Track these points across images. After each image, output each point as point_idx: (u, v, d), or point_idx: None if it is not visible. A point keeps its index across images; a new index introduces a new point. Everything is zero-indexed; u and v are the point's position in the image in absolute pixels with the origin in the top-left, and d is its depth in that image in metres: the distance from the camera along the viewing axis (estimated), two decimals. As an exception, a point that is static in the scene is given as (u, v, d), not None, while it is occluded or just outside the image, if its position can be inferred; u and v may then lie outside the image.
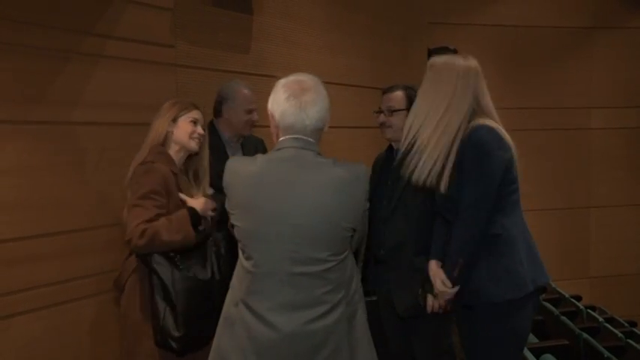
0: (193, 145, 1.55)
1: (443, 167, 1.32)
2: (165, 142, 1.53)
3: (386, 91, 1.83)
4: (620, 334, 2.53)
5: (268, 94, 1.26)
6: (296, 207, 1.13)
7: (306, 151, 1.17)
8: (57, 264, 1.82)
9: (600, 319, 2.80)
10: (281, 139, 1.19)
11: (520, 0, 4.12)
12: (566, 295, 3.27)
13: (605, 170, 4.34)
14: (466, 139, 1.32)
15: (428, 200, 1.67)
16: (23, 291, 1.72)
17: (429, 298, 1.62)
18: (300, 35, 2.91)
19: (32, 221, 1.75)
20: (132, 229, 1.38)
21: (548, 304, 2.83)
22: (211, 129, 2.00)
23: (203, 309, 1.42)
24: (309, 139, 1.18)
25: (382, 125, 1.79)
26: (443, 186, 1.33)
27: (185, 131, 1.53)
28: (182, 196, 1.51)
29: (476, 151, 1.30)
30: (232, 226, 1.21)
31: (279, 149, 1.18)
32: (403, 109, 1.76)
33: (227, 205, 1.21)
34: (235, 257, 1.25)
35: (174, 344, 1.40)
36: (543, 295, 3.10)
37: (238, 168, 1.19)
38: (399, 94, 1.77)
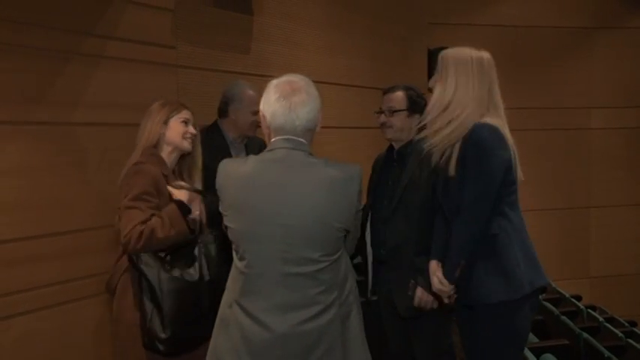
0: (186, 145, 1.55)
1: (451, 153, 1.34)
2: (157, 143, 1.52)
3: (387, 91, 1.83)
4: (620, 334, 2.54)
5: (269, 95, 1.27)
6: (288, 207, 1.13)
7: (297, 151, 1.17)
8: (58, 264, 1.82)
9: (600, 319, 2.80)
10: (272, 140, 1.20)
11: (520, 0, 4.13)
12: (567, 295, 3.28)
13: (605, 170, 4.35)
14: (467, 137, 1.31)
15: (428, 200, 1.67)
16: (24, 291, 1.73)
17: (419, 291, 1.64)
18: (301, 36, 2.92)
19: (33, 222, 1.75)
20: (129, 232, 1.37)
21: (548, 304, 2.84)
22: (215, 129, 2.01)
23: (191, 311, 1.41)
24: (300, 139, 1.18)
25: (383, 125, 1.79)
26: (451, 169, 1.33)
27: (177, 132, 1.53)
28: (169, 188, 1.51)
29: (477, 150, 1.29)
30: (226, 227, 1.21)
31: (270, 150, 1.19)
32: (404, 110, 1.76)
33: (220, 207, 1.21)
34: (229, 259, 1.25)
35: (160, 346, 1.38)
36: (544, 295, 3.11)
37: (230, 169, 1.19)
38: (399, 95, 1.78)
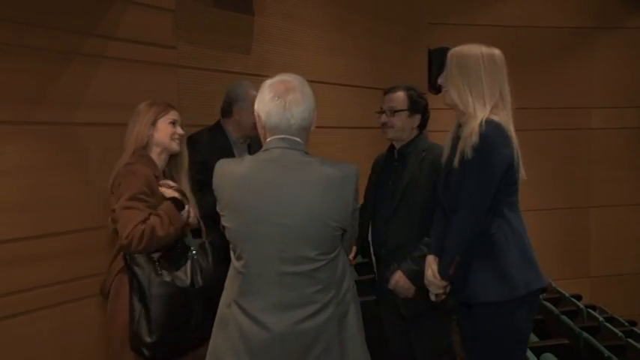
0: (175, 146, 1.54)
1: (458, 147, 1.34)
2: (146, 145, 1.52)
3: (388, 91, 1.83)
4: (620, 334, 2.54)
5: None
6: (284, 206, 1.13)
7: (293, 150, 1.17)
8: (58, 264, 1.82)
9: (600, 319, 2.80)
10: (268, 139, 1.19)
11: (520, 0, 4.13)
12: (567, 295, 3.28)
13: (605, 170, 4.35)
14: (475, 132, 1.29)
15: (429, 200, 1.68)
16: (24, 291, 1.73)
17: (397, 274, 1.64)
18: (301, 36, 2.92)
19: (34, 222, 1.76)
20: (130, 232, 1.35)
21: (548, 304, 2.84)
22: (219, 129, 2.01)
23: (179, 317, 1.39)
24: (296, 138, 1.18)
25: (384, 125, 1.79)
26: (455, 163, 1.33)
27: (166, 133, 1.52)
28: (161, 189, 1.50)
29: (480, 146, 1.28)
30: (223, 227, 1.21)
31: (266, 150, 1.19)
32: (405, 110, 1.76)
33: (217, 207, 1.21)
34: (227, 259, 1.24)
35: (145, 350, 1.36)
36: (544, 295, 3.11)
37: (226, 170, 1.19)
38: (400, 95, 1.78)
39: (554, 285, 3.42)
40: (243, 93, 1.99)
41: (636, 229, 4.37)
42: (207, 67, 2.39)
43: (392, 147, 1.85)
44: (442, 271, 1.35)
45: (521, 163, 1.35)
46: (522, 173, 1.36)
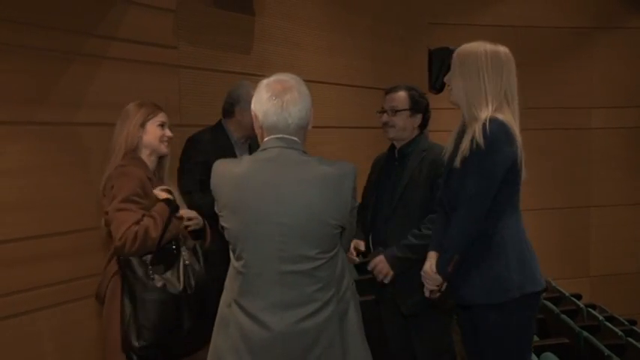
0: (164, 148, 1.54)
1: (460, 145, 1.32)
2: (135, 147, 1.51)
3: (389, 91, 1.83)
4: (620, 333, 2.54)
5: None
6: (283, 206, 1.14)
7: (290, 150, 1.17)
8: (60, 264, 1.83)
9: (600, 318, 2.81)
10: (265, 139, 1.19)
11: (521, 0, 4.14)
12: (567, 294, 3.28)
13: (604, 170, 4.36)
14: (477, 131, 1.28)
15: (428, 199, 1.68)
16: (26, 291, 1.74)
17: (378, 258, 1.67)
18: (302, 36, 2.93)
19: (35, 221, 1.76)
20: (123, 233, 1.35)
21: (548, 303, 2.84)
22: (220, 129, 2.01)
23: (169, 323, 1.38)
24: (294, 138, 1.18)
25: (385, 125, 1.79)
26: (457, 161, 1.31)
27: (155, 135, 1.52)
28: (155, 192, 1.50)
29: (484, 145, 1.26)
30: (222, 228, 1.21)
31: (264, 149, 1.19)
32: (406, 109, 1.77)
33: (216, 208, 1.21)
34: (227, 259, 1.24)
35: (133, 355, 1.36)
36: (544, 294, 3.10)
37: (224, 170, 1.19)
38: (402, 95, 1.78)
39: (554, 284, 3.43)
40: (245, 93, 1.99)
41: (636, 228, 4.37)
42: (207, 67, 2.39)
43: (392, 147, 1.86)
44: (440, 268, 1.34)
45: (523, 164, 1.33)
46: (525, 174, 1.34)
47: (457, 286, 1.35)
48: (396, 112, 1.77)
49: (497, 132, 1.27)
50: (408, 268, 1.67)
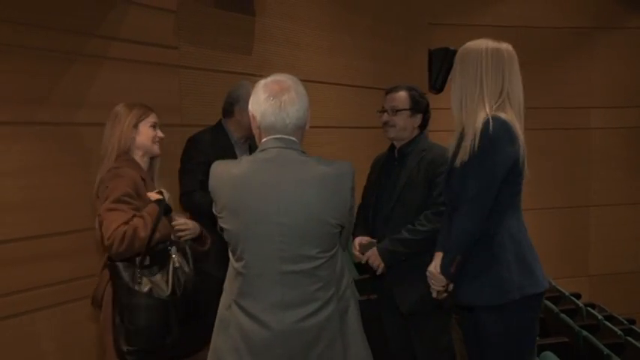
0: (156, 149, 1.55)
1: (461, 145, 1.31)
2: (128, 149, 1.51)
3: (390, 91, 1.84)
4: (619, 332, 2.55)
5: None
6: (282, 206, 1.14)
7: (289, 150, 1.18)
8: (61, 264, 1.83)
9: (599, 317, 2.81)
10: (264, 140, 1.20)
11: (521, 1, 4.14)
12: (566, 293, 3.29)
13: (604, 169, 4.37)
14: (479, 130, 1.26)
15: (427, 199, 1.70)
16: (26, 291, 1.74)
17: (371, 251, 1.70)
18: (302, 36, 2.93)
19: (36, 221, 1.77)
20: (112, 233, 1.34)
21: (548, 302, 2.85)
22: (220, 129, 2.02)
23: (156, 328, 1.37)
24: (292, 138, 1.19)
25: (385, 124, 1.80)
26: (457, 161, 1.30)
27: (147, 136, 1.52)
28: (149, 194, 1.50)
29: (482, 144, 1.25)
30: (221, 229, 1.21)
31: (262, 150, 1.19)
32: (406, 109, 1.77)
33: (214, 209, 1.21)
34: (226, 261, 1.24)
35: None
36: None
37: (223, 171, 1.19)
38: (402, 95, 1.79)
39: (553, 284, 3.43)
40: (244, 93, 1.99)
41: (635, 228, 4.38)
42: (208, 67, 2.40)
43: (392, 146, 1.86)
44: (443, 269, 1.34)
45: (526, 164, 1.31)
46: (527, 173, 1.32)
47: (458, 287, 1.35)
48: (396, 111, 1.78)
49: (498, 131, 1.25)
50: (400, 261, 1.69)
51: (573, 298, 3.21)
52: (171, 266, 1.43)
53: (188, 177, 1.94)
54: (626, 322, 3.09)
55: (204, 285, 1.93)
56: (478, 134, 1.26)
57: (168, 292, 1.40)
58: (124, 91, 2.00)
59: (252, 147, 2.06)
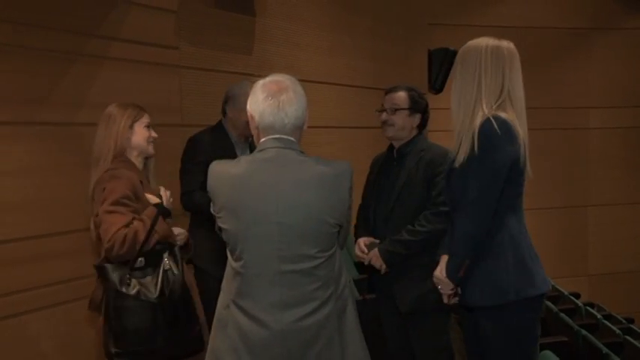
0: (151, 149, 1.54)
1: (460, 146, 1.29)
2: (124, 149, 1.50)
3: (389, 90, 1.84)
4: (618, 331, 2.56)
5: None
6: (281, 205, 1.14)
7: (288, 150, 1.18)
8: (61, 264, 1.84)
9: (598, 316, 2.82)
10: (262, 140, 1.20)
11: (520, 1, 4.16)
12: (565, 293, 3.30)
13: (602, 169, 4.38)
14: (477, 130, 1.25)
15: (426, 199, 1.70)
16: (27, 290, 1.74)
17: (372, 252, 1.71)
18: (302, 37, 2.94)
19: (38, 221, 1.77)
20: (112, 236, 1.34)
21: (547, 302, 2.86)
22: (221, 129, 2.02)
23: (143, 330, 1.36)
24: (290, 138, 1.19)
25: (384, 123, 1.80)
26: (457, 162, 1.29)
27: (143, 137, 1.52)
28: (147, 196, 1.50)
29: (482, 145, 1.23)
30: (220, 229, 1.21)
31: (261, 150, 1.19)
32: (406, 109, 1.78)
33: (212, 209, 1.21)
34: (224, 260, 1.24)
35: None
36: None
37: (222, 171, 1.19)
38: (402, 94, 1.79)
39: (552, 283, 3.44)
40: (236, 92, 1.99)
41: (633, 227, 4.39)
42: (209, 67, 2.41)
43: (391, 146, 1.87)
44: (450, 273, 1.31)
45: (528, 164, 1.28)
46: (530, 174, 1.30)
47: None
48: (395, 110, 1.78)
49: (497, 130, 1.23)
50: (399, 262, 1.70)
51: (572, 298, 3.22)
52: (161, 268, 1.42)
53: (188, 177, 1.94)
54: (624, 321, 3.10)
55: (204, 285, 1.93)
56: (476, 134, 1.25)
57: (156, 294, 1.39)
58: (125, 91, 2.00)
59: (252, 147, 2.06)
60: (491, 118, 1.25)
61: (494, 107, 1.27)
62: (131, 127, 1.51)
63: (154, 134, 1.56)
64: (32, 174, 1.77)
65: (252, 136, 2.05)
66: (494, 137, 1.23)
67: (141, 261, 1.40)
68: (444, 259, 1.35)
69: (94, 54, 1.96)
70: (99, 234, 1.42)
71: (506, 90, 1.29)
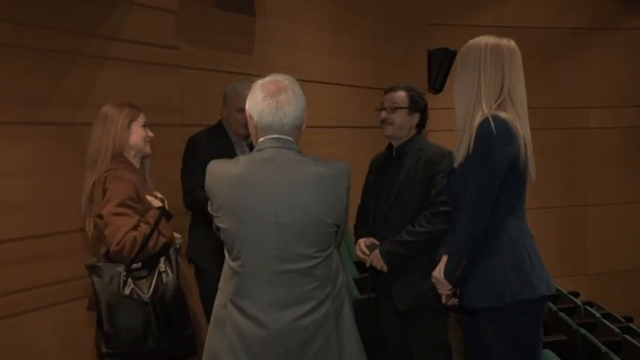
0: (148, 149, 1.54)
1: (460, 146, 1.29)
2: (122, 149, 1.49)
3: (389, 90, 1.85)
4: (616, 330, 2.56)
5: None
6: (279, 205, 1.14)
7: (286, 150, 1.18)
8: (62, 263, 1.84)
9: (597, 315, 2.83)
10: (261, 139, 1.20)
11: (520, 1, 4.16)
12: (564, 292, 3.31)
13: (602, 169, 4.39)
14: (475, 130, 1.24)
15: (425, 198, 1.71)
16: (27, 290, 1.75)
17: (374, 254, 1.72)
18: (302, 37, 2.94)
19: (39, 221, 1.78)
20: (121, 239, 1.33)
21: (546, 301, 2.86)
22: (221, 129, 2.02)
23: (135, 331, 1.36)
24: (289, 138, 1.19)
25: (383, 122, 1.81)
26: (456, 162, 1.28)
27: (140, 136, 1.52)
28: (148, 198, 1.51)
29: (480, 145, 1.23)
30: (218, 228, 1.21)
31: (259, 150, 1.19)
32: (405, 108, 1.79)
33: (210, 208, 1.21)
34: (221, 259, 1.24)
35: None
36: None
37: (220, 170, 1.19)
38: (401, 94, 1.80)
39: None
40: (228, 91, 2.00)
41: (632, 226, 4.40)
42: (209, 67, 2.41)
43: (390, 146, 1.88)
44: (448, 274, 1.30)
45: (531, 164, 1.27)
46: (532, 174, 1.29)
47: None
48: (394, 109, 1.79)
49: (496, 130, 1.22)
50: (401, 262, 1.71)
51: (571, 297, 3.23)
52: (157, 271, 1.42)
53: (190, 176, 1.95)
54: (623, 320, 3.11)
55: (204, 284, 1.93)
56: (474, 134, 1.24)
57: (149, 294, 1.39)
58: (125, 91, 2.00)
59: (252, 146, 2.06)
60: (490, 118, 1.24)
61: (493, 107, 1.26)
62: (129, 126, 1.50)
63: (150, 133, 1.56)
64: (32, 174, 1.78)
65: (250, 136, 2.07)
66: (491, 137, 1.23)
67: (139, 262, 1.40)
68: (443, 260, 1.35)
69: (95, 54, 1.97)
70: (99, 234, 1.42)
71: (506, 89, 1.28)
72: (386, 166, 1.84)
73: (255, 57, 2.64)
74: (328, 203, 1.18)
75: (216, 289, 1.27)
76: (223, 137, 2.00)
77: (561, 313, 2.64)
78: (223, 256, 1.26)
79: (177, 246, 1.55)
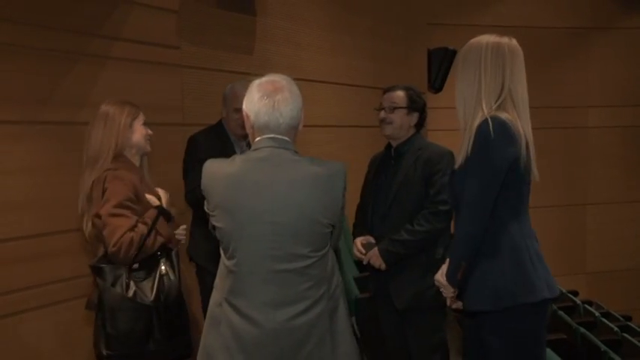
0: (148, 147, 1.54)
1: (461, 147, 1.27)
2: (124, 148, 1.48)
3: (388, 90, 1.86)
4: (615, 328, 2.58)
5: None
6: (275, 205, 1.15)
7: (282, 150, 1.18)
8: (64, 262, 1.84)
9: (596, 314, 2.85)
10: (257, 139, 1.20)
11: (519, 1, 4.16)
12: (564, 291, 3.32)
13: (601, 168, 4.40)
14: (474, 131, 1.23)
15: (422, 197, 1.71)
16: (28, 289, 1.75)
17: (372, 251, 1.73)
18: (303, 36, 2.95)
19: (40, 220, 1.78)
20: (118, 240, 1.33)
21: (545, 300, 2.87)
22: (221, 128, 2.03)
23: (137, 333, 1.36)
24: (285, 137, 1.19)
25: (382, 122, 1.81)
26: (457, 163, 1.28)
27: (141, 135, 1.51)
28: (147, 197, 1.50)
29: (480, 146, 1.21)
30: (214, 227, 1.21)
31: (255, 149, 1.19)
32: (404, 107, 1.79)
33: (206, 207, 1.21)
34: (217, 258, 1.24)
35: None
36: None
37: (216, 170, 1.20)
38: (400, 93, 1.81)
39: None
40: (229, 91, 2.00)
41: (631, 225, 4.41)
42: (210, 67, 2.41)
43: (389, 145, 1.88)
44: (449, 277, 1.29)
45: (534, 165, 1.25)
46: (536, 175, 1.28)
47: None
48: (393, 109, 1.79)
49: (495, 131, 1.20)
50: (399, 261, 1.72)
51: (571, 296, 3.24)
52: (158, 273, 1.42)
53: (191, 175, 1.96)
54: (622, 318, 3.12)
55: (204, 283, 1.93)
56: (473, 135, 1.23)
57: (152, 297, 1.38)
58: (127, 90, 2.01)
59: (250, 146, 2.07)
60: (489, 119, 1.23)
61: (494, 107, 1.25)
62: (131, 125, 1.50)
63: (150, 132, 1.56)
64: (34, 173, 1.78)
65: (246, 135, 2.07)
66: (489, 139, 1.22)
67: (137, 264, 1.40)
68: (446, 263, 1.33)
69: (96, 54, 1.97)
70: (97, 234, 1.42)
71: (506, 89, 1.26)
72: (385, 166, 1.85)
73: (256, 56, 2.64)
74: (324, 203, 1.18)
75: (213, 288, 1.27)
76: (223, 137, 2.01)
77: (560, 312, 2.65)
78: (219, 255, 1.26)
79: (182, 241, 1.54)
